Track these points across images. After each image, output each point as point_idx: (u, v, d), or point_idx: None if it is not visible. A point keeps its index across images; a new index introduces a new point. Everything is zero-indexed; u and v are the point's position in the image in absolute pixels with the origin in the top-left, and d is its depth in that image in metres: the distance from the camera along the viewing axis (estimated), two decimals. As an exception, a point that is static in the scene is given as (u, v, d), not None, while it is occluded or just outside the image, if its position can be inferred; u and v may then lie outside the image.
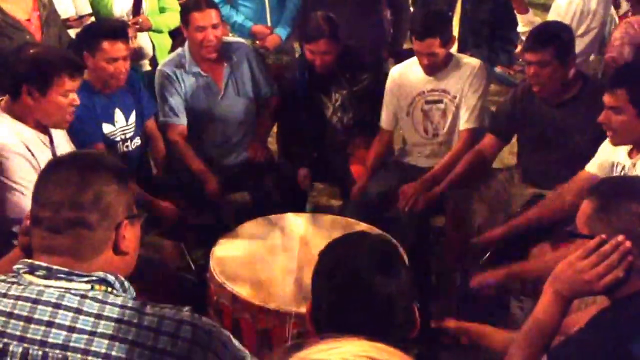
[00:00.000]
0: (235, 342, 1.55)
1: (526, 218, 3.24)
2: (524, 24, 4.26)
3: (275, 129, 4.48)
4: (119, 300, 1.47)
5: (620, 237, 1.70)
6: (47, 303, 1.44)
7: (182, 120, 3.87)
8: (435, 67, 3.70)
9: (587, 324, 1.79)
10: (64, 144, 2.94)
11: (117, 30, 3.41)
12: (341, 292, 1.53)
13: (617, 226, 1.73)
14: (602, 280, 1.71)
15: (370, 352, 0.89)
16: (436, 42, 3.56)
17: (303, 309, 2.21)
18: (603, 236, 1.73)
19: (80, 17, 4.07)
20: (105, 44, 3.32)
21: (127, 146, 3.60)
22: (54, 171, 1.58)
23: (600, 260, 1.71)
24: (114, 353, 1.41)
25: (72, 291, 1.46)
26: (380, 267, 1.54)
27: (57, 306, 1.44)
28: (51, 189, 1.53)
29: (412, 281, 1.61)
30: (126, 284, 1.55)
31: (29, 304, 1.45)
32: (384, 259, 1.59)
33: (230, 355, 1.51)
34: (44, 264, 1.49)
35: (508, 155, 4.80)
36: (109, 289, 1.50)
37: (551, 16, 4.42)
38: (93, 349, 1.41)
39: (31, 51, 2.82)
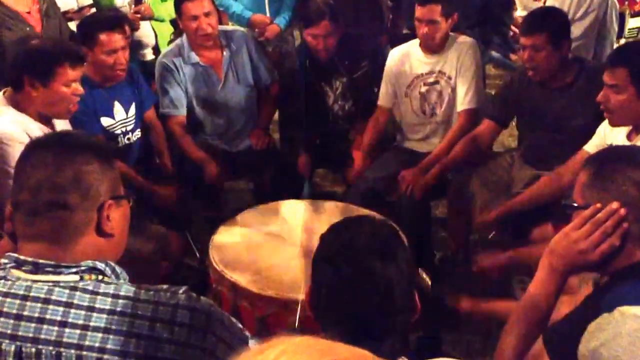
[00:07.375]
0: (235, 322, 1.51)
1: (525, 197, 3.24)
2: (522, 7, 4.25)
3: (276, 116, 4.50)
4: (110, 289, 1.41)
5: (614, 204, 1.65)
6: (36, 299, 1.39)
7: (182, 111, 3.88)
8: (434, 41, 3.69)
9: (583, 301, 1.74)
10: None
11: (113, 21, 3.39)
12: (342, 276, 1.53)
13: (613, 193, 1.68)
14: (597, 250, 1.66)
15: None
16: (437, 9, 3.58)
17: (302, 296, 2.22)
18: (598, 205, 1.67)
19: (80, 9, 4.08)
20: (103, 37, 3.31)
21: (128, 138, 3.60)
22: (33, 153, 1.50)
23: (595, 229, 1.66)
24: (109, 346, 1.36)
25: (61, 284, 1.40)
26: (381, 252, 1.54)
27: (46, 301, 1.39)
28: (30, 171, 1.46)
29: (412, 266, 1.61)
30: (117, 269, 1.48)
31: (17, 301, 1.39)
32: (386, 243, 1.58)
33: (231, 335, 1.47)
34: (29, 259, 1.43)
35: (508, 138, 4.82)
36: (100, 277, 1.43)
37: (550, -1, 4.41)
38: (87, 343, 1.36)
39: (32, 43, 2.83)
